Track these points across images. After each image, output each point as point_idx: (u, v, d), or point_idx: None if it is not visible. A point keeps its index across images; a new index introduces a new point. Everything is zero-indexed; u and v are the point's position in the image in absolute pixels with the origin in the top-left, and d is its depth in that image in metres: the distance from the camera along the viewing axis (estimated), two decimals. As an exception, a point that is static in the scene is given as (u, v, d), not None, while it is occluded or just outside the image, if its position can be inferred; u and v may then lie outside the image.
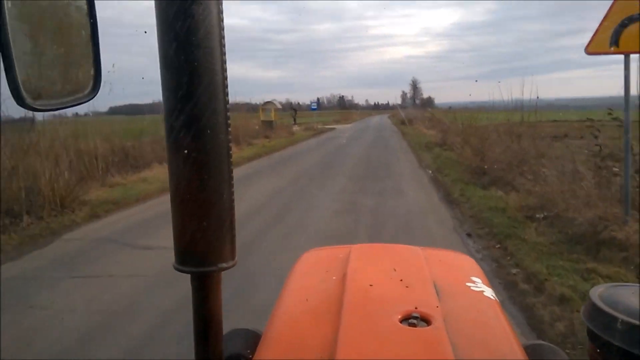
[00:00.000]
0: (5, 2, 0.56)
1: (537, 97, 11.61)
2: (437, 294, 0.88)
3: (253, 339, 0.96)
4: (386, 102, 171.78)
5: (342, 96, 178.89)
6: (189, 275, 0.59)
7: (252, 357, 0.86)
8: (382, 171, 12.19)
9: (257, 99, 31.06)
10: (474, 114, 18.32)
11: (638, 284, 0.78)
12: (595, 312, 0.73)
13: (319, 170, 12.78)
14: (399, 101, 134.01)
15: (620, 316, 0.68)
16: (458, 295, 0.91)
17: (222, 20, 0.53)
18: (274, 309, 0.94)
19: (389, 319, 0.78)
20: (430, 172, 11.79)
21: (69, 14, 0.70)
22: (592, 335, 0.74)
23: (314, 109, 39.36)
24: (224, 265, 0.56)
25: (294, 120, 42.65)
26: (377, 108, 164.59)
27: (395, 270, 1.00)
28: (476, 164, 11.50)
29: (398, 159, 15.19)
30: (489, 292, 0.96)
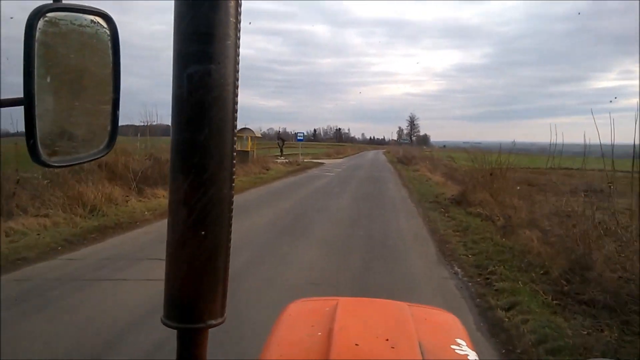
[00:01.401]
0: (35, 57, 0.55)
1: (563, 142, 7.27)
2: (422, 356, 0.86)
3: None
4: (382, 137, 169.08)
5: (339, 128, 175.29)
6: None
7: None
8: (376, 264, 6.36)
9: (253, 126, 26.71)
10: (485, 155, 15.08)
11: None
12: None
13: (266, 251, 6.95)
14: (394, 137, 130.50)
15: None
16: (443, 358, 0.89)
17: (238, 63, 0.51)
18: None
19: None
20: (468, 281, 5.81)
21: (93, 70, 0.68)
22: None
23: (300, 140, 33.77)
24: (213, 322, 0.53)
25: (281, 151, 37.10)
26: (373, 142, 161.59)
27: (381, 328, 0.98)
28: (559, 265, 5.70)
29: (400, 231, 9.09)
30: (472, 356, 0.93)
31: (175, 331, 0.54)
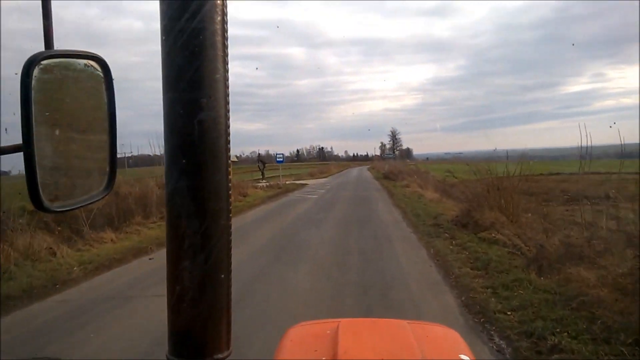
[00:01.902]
0: (32, 105, 0.56)
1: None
2: None
3: None
4: (365, 153, 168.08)
5: (322, 147, 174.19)
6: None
7: None
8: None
9: (237, 151, 24.88)
10: (488, 164, 13.53)
11: None
12: None
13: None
14: (377, 152, 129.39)
15: None
16: None
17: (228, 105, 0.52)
18: None
19: None
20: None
21: (90, 114, 0.69)
22: None
23: (280, 162, 31.61)
24: (219, 356, 0.53)
25: (262, 174, 34.89)
26: (356, 159, 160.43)
27: (385, 350, 0.97)
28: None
29: (402, 274, 6.81)
30: None
31: None
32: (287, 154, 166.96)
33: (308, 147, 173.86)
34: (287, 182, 31.74)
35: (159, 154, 14.36)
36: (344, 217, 13.65)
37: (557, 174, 43.06)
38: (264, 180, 31.89)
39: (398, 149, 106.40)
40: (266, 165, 37.02)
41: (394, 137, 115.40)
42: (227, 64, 0.50)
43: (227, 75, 0.50)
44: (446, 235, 9.84)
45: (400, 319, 1.22)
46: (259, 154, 38.15)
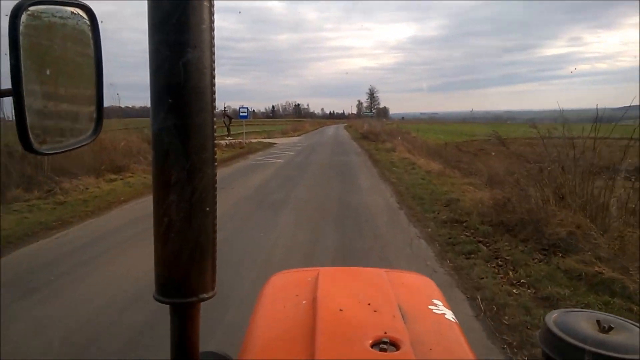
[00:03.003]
0: (21, 50, 0.57)
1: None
2: (403, 318, 0.88)
3: None
4: (341, 112, 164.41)
5: (298, 104, 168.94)
6: None
7: None
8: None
9: None
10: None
11: (590, 310, 0.78)
12: (550, 336, 0.73)
13: None
14: (354, 110, 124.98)
15: (573, 341, 0.69)
16: (422, 319, 0.91)
17: (213, 68, 0.51)
18: (247, 334, 0.91)
19: (361, 344, 0.77)
20: None
21: (77, 60, 0.70)
22: (547, 359, 0.74)
23: (244, 117, 26.53)
24: (205, 295, 0.53)
25: (228, 131, 29.94)
26: (333, 117, 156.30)
27: (362, 294, 0.99)
28: None
29: None
30: (449, 315, 0.95)
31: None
32: (262, 110, 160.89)
33: (284, 104, 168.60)
34: (252, 141, 26.99)
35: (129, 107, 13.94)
36: (312, 195, 9.18)
37: (549, 137, 39.52)
38: (229, 137, 27.11)
39: (376, 107, 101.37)
40: (232, 120, 31.98)
41: (372, 95, 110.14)
42: (213, 14, 0.49)
43: (213, 26, 0.49)
44: (487, 251, 5.51)
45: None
46: (224, 107, 32.87)
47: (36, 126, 0.61)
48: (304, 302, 0.97)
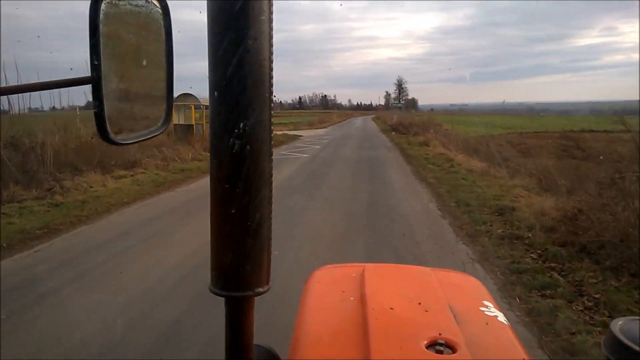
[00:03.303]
0: (100, 38, 0.58)
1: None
2: (455, 319, 0.85)
3: (269, 356, 0.77)
4: (369, 103, 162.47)
5: (325, 95, 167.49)
6: None
7: None
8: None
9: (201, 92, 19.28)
10: None
11: None
12: (616, 344, 0.71)
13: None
14: (381, 102, 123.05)
15: (638, 349, 0.67)
16: (474, 321, 0.88)
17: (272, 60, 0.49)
18: (296, 330, 0.88)
19: (416, 345, 0.75)
20: None
21: (150, 50, 0.70)
22: None
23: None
24: (260, 290, 0.52)
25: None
26: (360, 108, 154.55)
27: (412, 293, 0.96)
28: None
29: None
30: (501, 317, 0.92)
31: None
32: (289, 101, 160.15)
33: (311, 95, 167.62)
34: (277, 133, 25.87)
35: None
36: (338, 203, 7.94)
37: (591, 131, 37.17)
38: None
39: (404, 98, 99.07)
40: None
41: (400, 86, 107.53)
42: (272, 5, 0.49)
43: (272, 17, 0.48)
44: (566, 284, 4.19)
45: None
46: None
47: (113, 116, 0.60)
48: (352, 298, 0.95)
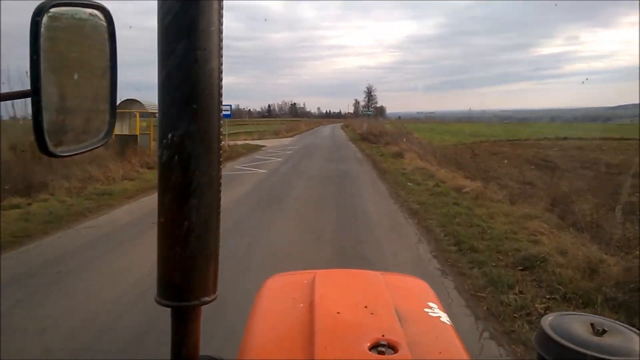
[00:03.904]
0: (41, 52, 0.57)
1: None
2: (400, 321, 0.87)
3: None
4: (338, 111, 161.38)
5: (294, 103, 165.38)
6: None
7: None
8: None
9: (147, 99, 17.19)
10: None
11: (584, 313, 0.78)
12: (545, 340, 0.73)
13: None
14: (350, 110, 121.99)
15: (569, 345, 0.70)
16: (418, 322, 0.91)
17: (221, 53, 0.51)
18: (245, 336, 0.90)
19: (359, 347, 0.77)
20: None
21: (92, 62, 0.70)
22: None
23: (227, 116, 22.60)
24: (206, 299, 0.52)
25: (214, 131, 26.28)
26: (329, 116, 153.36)
27: (359, 296, 0.99)
28: None
29: None
30: (444, 318, 0.95)
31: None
32: (258, 109, 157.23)
33: (280, 103, 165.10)
34: (237, 144, 23.40)
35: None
36: (296, 247, 5.62)
37: (565, 138, 35.99)
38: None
39: (373, 106, 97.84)
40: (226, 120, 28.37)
41: (369, 94, 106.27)
42: (222, 17, 0.49)
43: (222, 28, 0.48)
44: None
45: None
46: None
47: (52, 128, 0.60)
48: (301, 305, 0.96)
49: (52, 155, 0.60)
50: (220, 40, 0.49)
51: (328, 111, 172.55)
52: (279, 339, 0.86)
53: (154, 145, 17.78)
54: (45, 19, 0.58)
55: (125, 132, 16.91)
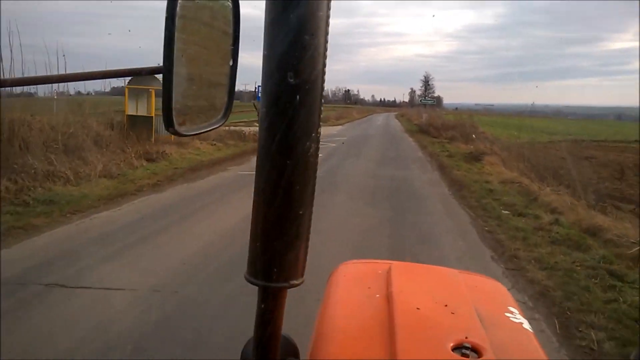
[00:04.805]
0: (175, 29, 0.58)
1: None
2: (482, 323, 0.82)
3: (286, 344, 0.72)
4: (392, 99, 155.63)
5: (348, 90, 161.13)
6: None
7: None
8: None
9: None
10: None
11: None
12: None
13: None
14: (405, 99, 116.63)
15: None
16: (501, 326, 0.84)
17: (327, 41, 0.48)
18: (319, 324, 0.84)
19: (442, 347, 0.73)
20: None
21: (217, 43, 0.71)
22: None
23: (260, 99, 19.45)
24: (294, 282, 0.52)
25: (258, 116, 23.27)
26: (383, 104, 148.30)
27: (438, 294, 0.93)
28: None
29: None
30: (526, 325, 0.88)
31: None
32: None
33: (334, 89, 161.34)
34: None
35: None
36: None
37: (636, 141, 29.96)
38: (257, 124, 20.42)
39: (430, 96, 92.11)
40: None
41: (427, 82, 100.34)
42: (330, 2, 0.48)
43: (329, 13, 0.47)
44: None
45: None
46: (256, 88, 26.14)
47: (179, 106, 0.61)
48: (378, 295, 0.91)
49: (176, 133, 0.62)
50: (327, 25, 0.47)
51: (382, 99, 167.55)
52: (357, 332, 0.81)
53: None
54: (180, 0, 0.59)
55: (139, 112, 14.01)
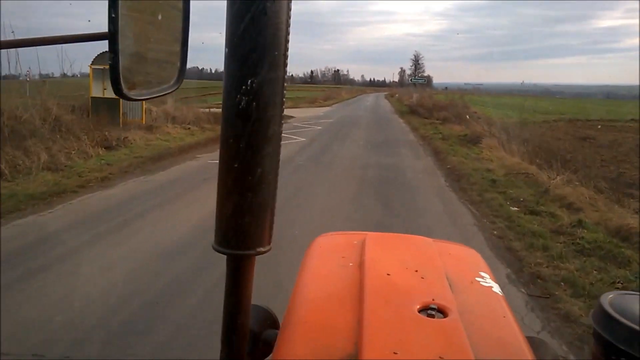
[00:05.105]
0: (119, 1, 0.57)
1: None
2: (451, 287, 0.84)
3: (266, 316, 0.83)
4: (382, 79, 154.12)
5: (337, 70, 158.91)
6: None
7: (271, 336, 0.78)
8: None
9: None
10: None
11: None
12: (604, 317, 0.72)
13: None
14: (395, 78, 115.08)
15: (628, 323, 0.68)
16: (469, 289, 0.87)
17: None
18: (294, 292, 0.85)
19: (409, 309, 0.75)
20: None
21: (168, 10, 0.69)
22: (598, 339, 0.74)
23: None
24: (261, 249, 0.53)
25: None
26: (373, 84, 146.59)
27: (410, 261, 0.94)
28: None
29: None
30: (496, 288, 0.90)
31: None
32: (301, 75, 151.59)
33: (323, 69, 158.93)
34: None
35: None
36: None
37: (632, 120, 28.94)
38: None
39: (420, 75, 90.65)
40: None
41: (416, 62, 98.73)
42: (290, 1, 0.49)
43: (290, 14, 0.48)
44: None
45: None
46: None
47: (126, 71, 0.59)
48: (351, 264, 0.93)
49: (126, 97, 0.61)
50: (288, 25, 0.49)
51: (372, 79, 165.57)
52: (328, 297, 0.83)
53: (148, 114, 13.61)
54: None
55: (106, 94, 12.69)
